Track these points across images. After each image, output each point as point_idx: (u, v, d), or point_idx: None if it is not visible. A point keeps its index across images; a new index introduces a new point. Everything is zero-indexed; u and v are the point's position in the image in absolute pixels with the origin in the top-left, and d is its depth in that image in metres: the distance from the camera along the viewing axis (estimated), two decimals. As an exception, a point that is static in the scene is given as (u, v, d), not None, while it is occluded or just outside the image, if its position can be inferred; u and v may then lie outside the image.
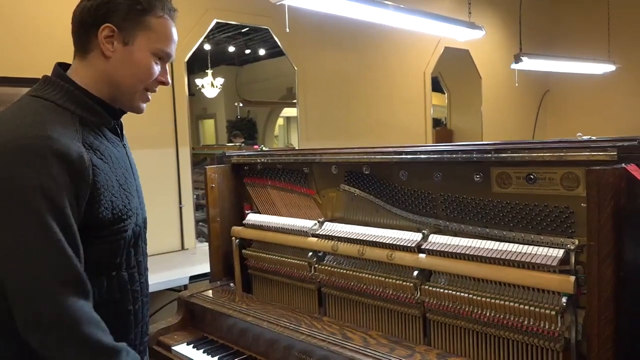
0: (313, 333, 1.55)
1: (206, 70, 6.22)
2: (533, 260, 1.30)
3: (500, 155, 1.36)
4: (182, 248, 3.80)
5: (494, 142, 1.48)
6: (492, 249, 1.39)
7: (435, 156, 1.51)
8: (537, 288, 1.29)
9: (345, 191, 1.82)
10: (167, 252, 3.72)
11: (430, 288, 1.48)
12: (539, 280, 1.27)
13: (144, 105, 1.32)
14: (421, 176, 1.60)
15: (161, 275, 3.12)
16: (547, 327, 1.25)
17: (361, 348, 1.42)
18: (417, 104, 5.38)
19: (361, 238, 1.67)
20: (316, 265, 1.79)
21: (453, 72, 6.05)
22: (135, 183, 1.34)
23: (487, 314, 1.36)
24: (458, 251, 1.43)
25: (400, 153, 1.60)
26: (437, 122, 5.94)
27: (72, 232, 1.08)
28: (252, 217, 2.10)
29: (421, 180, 1.60)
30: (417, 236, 1.55)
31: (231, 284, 2.14)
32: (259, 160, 2.11)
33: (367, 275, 1.63)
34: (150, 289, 3.17)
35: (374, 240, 1.63)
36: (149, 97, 1.31)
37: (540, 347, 1.29)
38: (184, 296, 2.00)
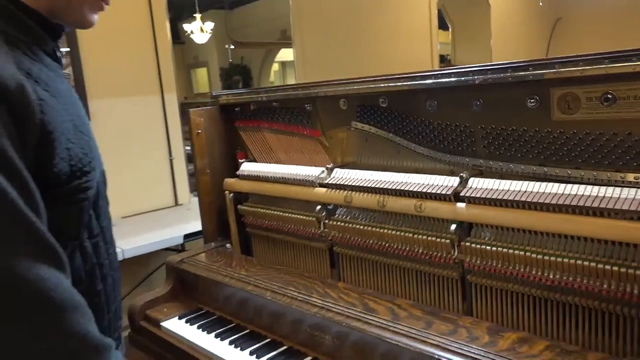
0: (327, 304, 1.27)
1: (194, 15, 5.76)
2: (613, 206, 0.99)
3: (567, 69, 1.03)
4: (176, 203, 3.51)
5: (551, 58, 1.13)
6: (552, 194, 1.07)
7: (476, 78, 1.17)
8: (621, 242, 0.99)
9: (357, 130, 1.49)
10: (160, 208, 3.43)
11: (472, 245, 1.18)
12: (625, 232, 0.97)
13: (96, 17, 0.97)
14: (455, 105, 1.27)
15: (155, 234, 2.84)
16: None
17: (390, 323, 1.14)
18: (423, 38, 4.94)
19: (381, 186, 1.35)
20: (326, 221, 1.49)
21: (459, 3, 5.57)
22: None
23: (549, 276, 1.07)
24: (507, 197, 1.12)
25: (428, 77, 1.26)
26: (441, 59, 5.52)
27: (29, 190, 0.77)
28: (247, 167, 1.78)
29: (455, 110, 1.27)
30: (452, 181, 1.24)
31: (227, 245, 1.85)
32: (251, 99, 1.76)
33: (390, 231, 1.33)
34: (144, 250, 2.93)
35: (398, 188, 1.32)
36: (103, 5, 0.96)
37: (627, 317, 1.00)
38: (173, 262, 1.72)
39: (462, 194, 1.19)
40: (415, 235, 1.28)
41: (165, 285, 1.71)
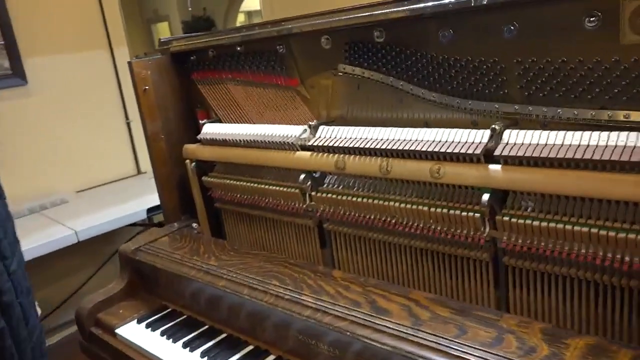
0: (323, 305, 0.98)
1: (149, -38, 5.21)
2: None
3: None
4: (138, 172, 3.15)
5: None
6: (622, 146, 0.78)
7: (512, -9, 0.84)
8: None
9: (346, 75, 1.16)
10: (121, 178, 3.07)
11: (510, 219, 0.89)
12: None
13: None
14: (479, 34, 0.95)
15: (117, 209, 2.50)
16: None
17: (410, 330, 0.85)
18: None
19: (383, 146, 1.04)
20: (313, 193, 1.19)
21: None
22: None
23: (616, 257, 0.79)
24: (558, 154, 0.83)
25: (441, -4, 0.93)
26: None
27: None
28: (209, 129, 1.44)
29: (479, 40, 0.95)
30: (480, 135, 0.94)
31: (194, 225, 1.53)
32: (209, 43, 1.41)
33: (396, 204, 1.03)
34: (100, 229, 2.56)
35: (406, 148, 1.01)
36: None
37: None
38: (127, 251, 1.40)
39: (497, 152, 0.89)
40: (432, 209, 0.98)
41: (120, 280, 1.40)
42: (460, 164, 0.94)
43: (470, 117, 1.01)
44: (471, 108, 0.99)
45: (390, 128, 1.07)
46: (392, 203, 1.05)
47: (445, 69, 1.01)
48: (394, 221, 1.06)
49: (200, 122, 1.49)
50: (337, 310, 0.96)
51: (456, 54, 0.99)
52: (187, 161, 1.49)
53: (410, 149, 1.00)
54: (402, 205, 1.03)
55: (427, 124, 1.07)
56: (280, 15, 1.25)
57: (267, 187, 1.30)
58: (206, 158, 1.45)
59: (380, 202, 1.06)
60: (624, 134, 0.79)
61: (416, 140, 1.01)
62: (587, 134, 0.83)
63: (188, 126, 1.54)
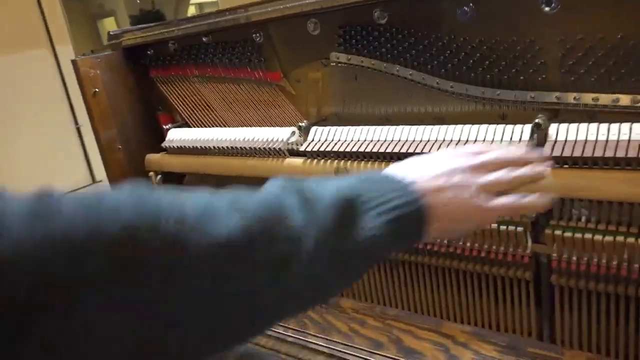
0: (335, 349, 0.80)
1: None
2: None
3: None
4: (93, 181, 2.88)
5: None
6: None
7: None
8: None
9: (340, 65, 0.98)
10: (74, 189, 2.79)
11: (561, 232, 0.73)
12: None
13: None
14: (507, 9, 0.78)
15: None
16: None
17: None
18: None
19: (393, 149, 0.87)
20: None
21: None
22: None
23: None
24: (621, 154, 0.67)
25: (463, -37, 0.75)
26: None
27: None
28: (175, 135, 1.23)
29: (507, 17, 0.79)
30: (517, 131, 0.77)
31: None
32: (170, 35, 1.19)
33: (415, 218, 0.86)
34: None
35: (423, 150, 0.83)
36: None
37: None
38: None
39: (548, 149, 0.73)
40: (461, 223, 0.81)
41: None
42: (497, 168, 0.77)
43: (497, 110, 0.84)
44: (500, 99, 0.82)
45: (399, 127, 0.90)
46: (407, 216, 0.87)
47: (466, 54, 0.84)
48: (410, 238, 0.88)
49: (164, 127, 1.28)
50: (354, 355, 0.78)
51: (479, 35, 0.82)
52: (152, 174, 1.28)
53: (425, 151, 0.82)
54: (421, 218, 0.86)
55: (443, 120, 0.90)
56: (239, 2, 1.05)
57: (250, 201, 1.10)
58: (174, 169, 1.24)
59: (393, 215, 0.89)
60: None
61: (436, 139, 0.84)
62: (652, 125, 0.67)
63: (149, 133, 1.32)
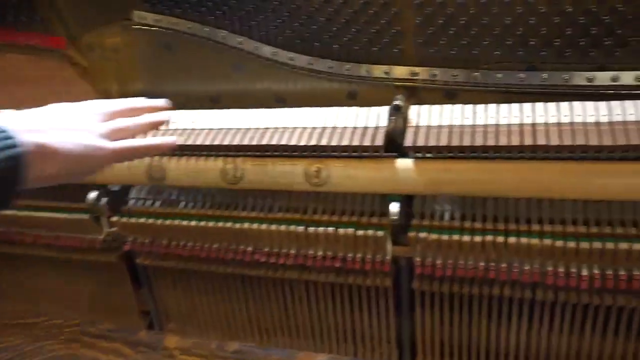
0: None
1: None
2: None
3: None
4: None
5: None
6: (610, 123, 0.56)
7: None
8: None
9: (147, 29, 0.74)
10: None
11: (421, 234, 0.62)
12: None
13: None
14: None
15: None
16: None
17: None
18: None
19: (222, 140, 0.67)
20: (113, 217, 0.76)
21: None
22: None
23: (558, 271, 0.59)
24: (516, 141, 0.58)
25: None
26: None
27: None
28: None
29: (359, -28, 0.64)
30: (372, 116, 0.64)
31: None
32: None
33: (253, 225, 0.68)
34: None
35: (261, 143, 0.65)
36: None
37: None
38: None
39: (406, 141, 0.59)
40: (310, 228, 0.66)
41: None
42: (351, 161, 0.63)
43: (346, 88, 0.70)
44: (349, 74, 0.67)
45: (229, 110, 0.70)
46: (243, 224, 0.69)
47: (308, 17, 0.67)
48: (249, 249, 0.71)
49: None
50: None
51: (327, -9, 0.66)
52: None
53: (270, 143, 0.65)
54: (260, 225, 0.68)
55: (282, 100, 0.73)
56: None
57: (33, 214, 0.81)
58: None
59: (227, 224, 0.70)
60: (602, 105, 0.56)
61: (275, 127, 0.66)
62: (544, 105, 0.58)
63: None
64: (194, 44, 0.73)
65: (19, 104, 0.86)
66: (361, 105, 0.66)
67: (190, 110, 0.72)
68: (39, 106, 0.84)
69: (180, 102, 0.77)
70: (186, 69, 0.76)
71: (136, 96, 0.80)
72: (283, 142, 0.63)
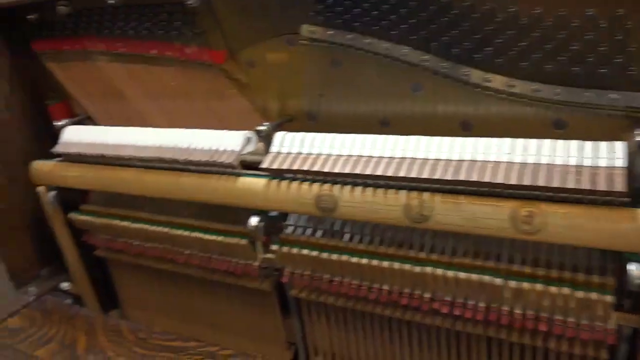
0: None
1: None
2: None
3: None
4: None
5: None
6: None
7: None
8: None
9: (316, 43, 0.68)
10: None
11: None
12: None
13: None
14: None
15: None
16: None
17: None
18: None
19: (408, 171, 0.59)
20: (272, 246, 0.71)
21: None
22: None
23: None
24: None
25: None
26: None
27: None
28: (74, 135, 0.88)
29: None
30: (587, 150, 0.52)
31: (64, 285, 0.98)
32: (57, -8, 0.82)
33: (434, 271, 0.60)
34: None
35: (457, 178, 0.56)
36: None
37: None
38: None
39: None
40: (511, 281, 0.56)
41: None
42: (575, 207, 0.52)
43: (552, 115, 0.59)
44: (558, 99, 0.56)
45: (406, 137, 0.62)
46: (424, 268, 0.61)
47: (514, 35, 0.57)
48: (427, 295, 0.62)
49: (57, 123, 0.91)
50: None
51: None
52: (41, 189, 0.92)
53: (470, 179, 0.55)
54: (445, 271, 0.60)
55: (469, 127, 0.64)
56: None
57: (184, 232, 0.79)
58: (71, 184, 0.88)
59: (403, 265, 0.62)
60: None
61: (472, 160, 0.57)
62: None
63: (35, 132, 0.95)
64: (368, 61, 0.66)
65: (174, 118, 0.85)
66: (570, 137, 0.55)
67: (357, 133, 0.65)
68: (191, 120, 0.82)
69: (347, 125, 0.71)
70: (355, 87, 0.69)
71: (297, 115, 0.75)
72: (486, 179, 0.54)
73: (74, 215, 0.91)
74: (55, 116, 0.94)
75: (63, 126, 0.90)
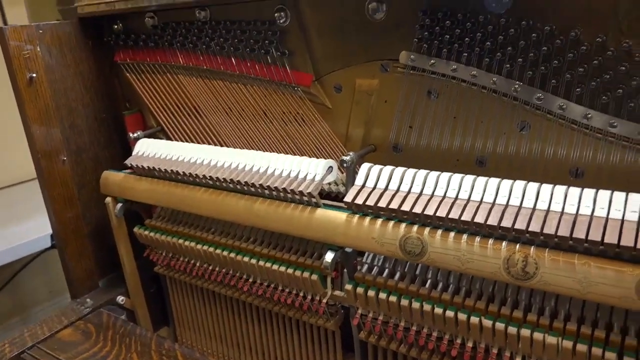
0: None
1: None
2: None
3: None
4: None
5: None
6: None
7: None
8: None
9: (414, 72, 0.63)
10: (15, 183, 2.34)
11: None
12: None
13: None
14: None
15: (7, 232, 1.80)
16: None
17: None
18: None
19: (508, 221, 0.53)
20: (351, 286, 0.66)
21: None
22: None
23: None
24: None
25: None
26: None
27: None
28: (146, 148, 0.86)
29: None
30: None
31: (119, 300, 0.95)
32: (148, 3, 0.81)
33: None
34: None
35: (563, 234, 0.50)
36: None
37: None
38: (-2, 362, 0.80)
39: None
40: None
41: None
42: None
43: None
44: (699, 154, 0.49)
45: (507, 181, 0.56)
46: (526, 331, 0.54)
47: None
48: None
49: (131, 135, 0.90)
50: None
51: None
52: (109, 200, 0.90)
53: (593, 239, 0.49)
54: (546, 336, 0.53)
55: (580, 173, 0.57)
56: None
57: (250, 260, 0.75)
58: (139, 198, 0.87)
59: (499, 324, 0.55)
60: None
61: (562, 211, 0.50)
62: None
63: (110, 141, 0.95)
64: (470, 94, 0.61)
65: (250, 139, 0.82)
66: None
67: (447, 171, 0.59)
68: (266, 142, 0.78)
69: (435, 160, 0.66)
70: (450, 121, 0.64)
71: (381, 146, 0.71)
72: (611, 240, 0.47)
73: (139, 230, 0.89)
74: (130, 127, 0.93)
75: (137, 138, 0.89)
